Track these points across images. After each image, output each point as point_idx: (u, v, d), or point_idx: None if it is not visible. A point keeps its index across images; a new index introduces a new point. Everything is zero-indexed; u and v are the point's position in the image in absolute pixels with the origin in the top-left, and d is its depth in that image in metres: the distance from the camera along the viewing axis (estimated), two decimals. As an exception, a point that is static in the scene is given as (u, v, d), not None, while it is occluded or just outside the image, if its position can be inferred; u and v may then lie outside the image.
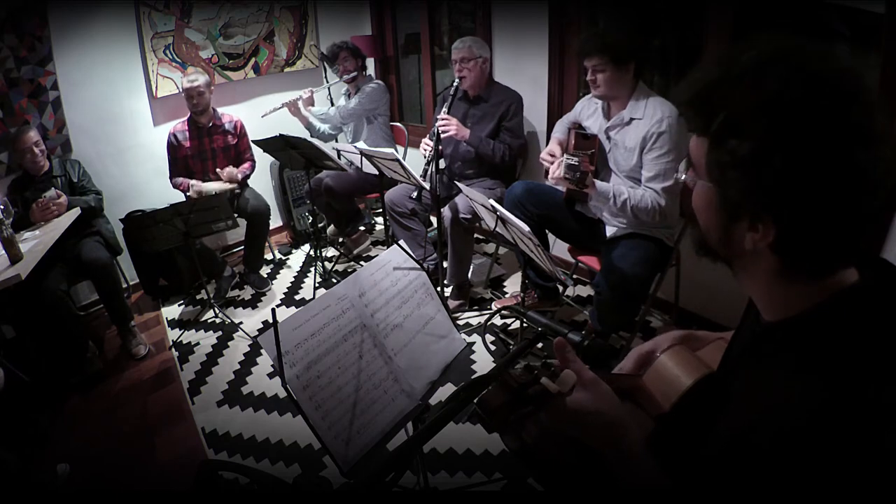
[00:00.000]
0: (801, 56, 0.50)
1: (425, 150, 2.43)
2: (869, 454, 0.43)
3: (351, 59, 3.10)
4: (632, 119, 1.88)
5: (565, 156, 1.87)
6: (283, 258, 3.45)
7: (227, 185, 2.91)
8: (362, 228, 3.56)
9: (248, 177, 3.05)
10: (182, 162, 2.92)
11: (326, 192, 3.08)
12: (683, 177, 0.63)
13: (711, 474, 0.53)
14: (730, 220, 0.55)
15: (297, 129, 2.96)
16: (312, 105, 3.25)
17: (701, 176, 0.57)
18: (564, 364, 0.62)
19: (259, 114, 3.45)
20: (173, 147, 2.91)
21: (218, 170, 2.91)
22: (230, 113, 3.05)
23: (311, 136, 3.32)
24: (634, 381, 0.72)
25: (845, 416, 0.45)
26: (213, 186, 2.87)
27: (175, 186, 2.92)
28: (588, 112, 2.09)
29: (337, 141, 3.36)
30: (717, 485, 0.52)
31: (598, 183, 1.86)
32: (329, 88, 3.42)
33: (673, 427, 0.66)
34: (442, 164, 2.51)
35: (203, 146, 2.92)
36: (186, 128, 2.90)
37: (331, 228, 3.59)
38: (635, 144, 1.86)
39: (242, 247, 3.19)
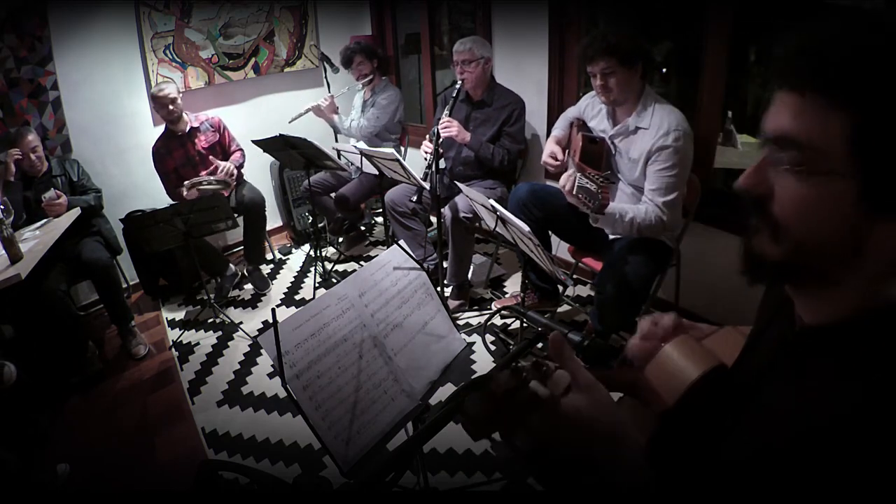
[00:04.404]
0: None
1: (426, 152, 2.43)
2: None
3: (366, 63, 3.07)
4: (637, 128, 1.83)
5: (580, 177, 1.68)
6: (283, 258, 3.45)
7: (221, 178, 2.85)
8: (362, 228, 3.56)
9: (241, 166, 3.02)
10: (174, 174, 2.88)
11: (340, 204, 3.03)
12: (782, 170, 0.47)
13: (738, 483, 0.50)
14: (871, 217, 0.43)
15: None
16: (336, 112, 3.20)
17: (825, 164, 0.43)
18: (561, 362, 0.57)
19: (259, 113, 3.48)
20: (160, 163, 2.87)
21: (208, 174, 2.85)
22: (215, 112, 3.05)
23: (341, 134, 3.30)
24: (635, 376, 0.69)
25: None
26: (204, 178, 2.81)
27: (175, 198, 2.87)
28: (592, 112, 2.07)
29: (337, 140, 3.36)
30: (746, 493, 0.49)
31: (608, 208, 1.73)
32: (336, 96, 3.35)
33: (678, 423, 0.63)
34: (442, 164, 2.51)
35: (188, 152, 2.89)
36: (165, 141, 2.87)
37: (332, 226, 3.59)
38: (639, 156, 1.83)
39: (242, 246, 3.19)
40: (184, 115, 2.87)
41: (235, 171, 2.92)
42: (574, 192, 1.68)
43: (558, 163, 2.07)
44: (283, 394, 2.19)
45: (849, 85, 0.42)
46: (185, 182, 2.79)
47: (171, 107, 2.75)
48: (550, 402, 0.53)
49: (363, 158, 2.55)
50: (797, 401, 0.49)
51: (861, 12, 0.44)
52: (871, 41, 0.41)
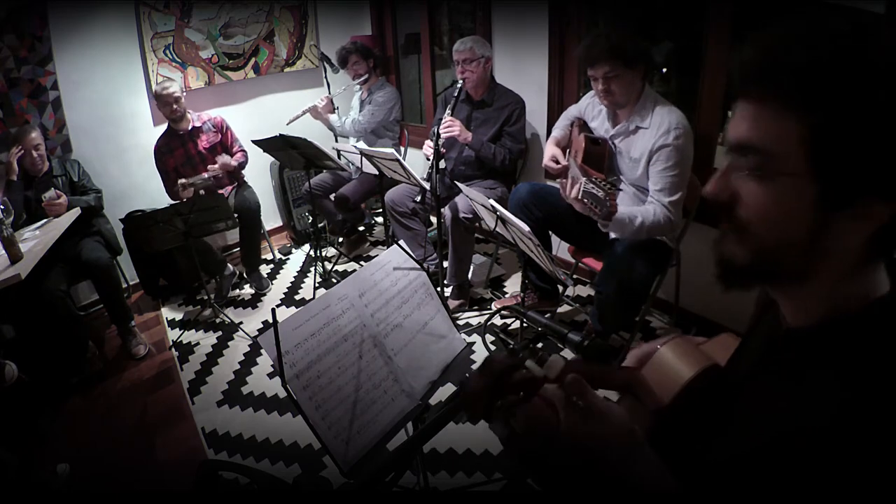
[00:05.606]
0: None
1: (428, 153, 2.43)
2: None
3: (362, 63, 3.08)
4: (637, 128, 1.83)
5: (586, 181, 1.64)
6: (283, 258, 3.45)
7: (213, 173, 2.86)
8: (361, 228, 3.56)
9: (242, 165, 3.01)
10: (174, 173, 2.87)
11: (340, 204, 3.04)
12: (744, 175, 0.48)
13: (722, 483, 0.51)
14: (829, 214, 0.45)
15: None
16: (332, 111, 3.25)
17: (783, 167, 0.45)
18: (580, 396, 0.56)
19: (259, 113, 3.47)
20: (160, 161, 2.87)
21: (210, 167, 2.86)
22: (216, 112, 3.05)
23: (337, 136, 3.34)
24: (633, 375, 0.70)
25: (880, 436, 0.40)
26: (199, 178, 2.81)
27: (174, 197, 2.87)
28: (593, 113, 2.07)
29: (337, 140, 3.36)
30: (730, 493, 0.50)
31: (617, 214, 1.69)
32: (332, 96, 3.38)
33: (672, 421, 0.64)
34: (442, 164, 2.51)
35: (189, 152, 2.89)
36: (167, 139, 2.86)
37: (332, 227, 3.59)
38: (640, 156, 1.83)
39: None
40: (187, 114, 2.87)
41: (234, 165, 2.91)
42: (580, 198, 1.66)
43: (560, 166, 2.07)
44: (283, 394, 2.19)
45: (802, 90, 0.43)
46: (181, 181, 2.77)
47: (174, 105, 2.75)
48: (543, 383, 0.55)
49: (363, 158, 2.55)
50: (779, 404, 0.50)
51: (814, 16, 0.45)
52: (822, 46, 0.42)
